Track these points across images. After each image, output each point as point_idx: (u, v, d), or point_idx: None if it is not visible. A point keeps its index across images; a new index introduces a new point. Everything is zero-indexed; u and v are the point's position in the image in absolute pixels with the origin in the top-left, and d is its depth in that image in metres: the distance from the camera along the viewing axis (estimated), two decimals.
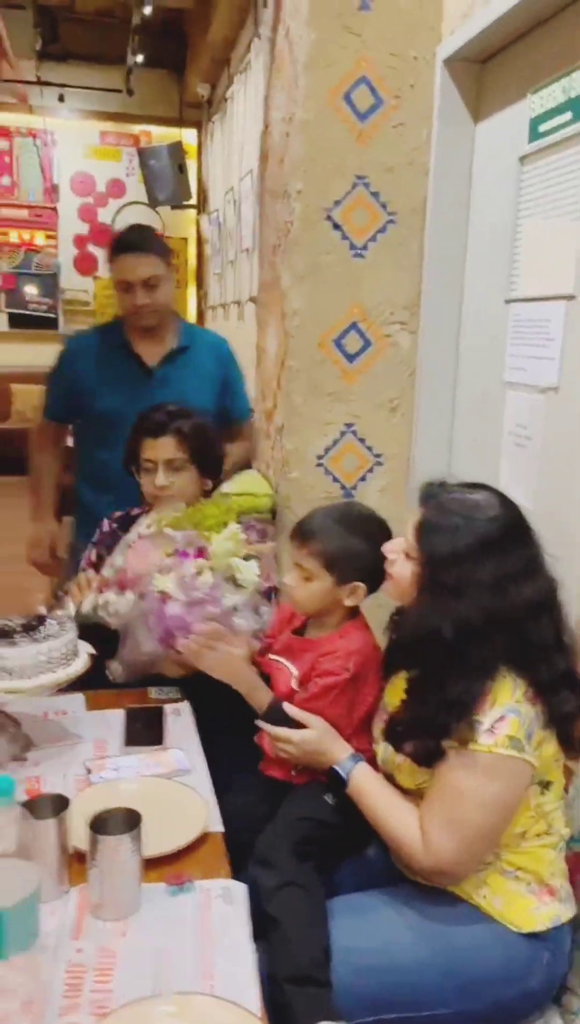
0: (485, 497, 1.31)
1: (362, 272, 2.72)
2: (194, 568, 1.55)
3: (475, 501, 1.30)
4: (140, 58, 5.53)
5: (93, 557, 2.05)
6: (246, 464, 2.53)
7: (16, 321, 7.08)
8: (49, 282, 6.89)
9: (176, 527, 1.67)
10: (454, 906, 1.31)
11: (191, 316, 7.47)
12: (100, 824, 1.13)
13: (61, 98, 6.66)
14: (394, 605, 1.48)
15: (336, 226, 2.67)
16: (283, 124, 2.85)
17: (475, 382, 2.65)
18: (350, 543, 1.50)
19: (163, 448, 1.91)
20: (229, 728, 1.59)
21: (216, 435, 2.09)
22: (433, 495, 1.35)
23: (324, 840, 1.41)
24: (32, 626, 1.47)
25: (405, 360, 2.80)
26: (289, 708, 1.47)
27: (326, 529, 1.52)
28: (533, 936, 1.28)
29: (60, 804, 1.16)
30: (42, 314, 6.88)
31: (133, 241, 2.34)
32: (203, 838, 1.29)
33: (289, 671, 1.55)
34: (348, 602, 1.51)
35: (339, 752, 1.41)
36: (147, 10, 4.66)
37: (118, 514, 2.10)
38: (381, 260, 2.72)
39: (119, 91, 6.38)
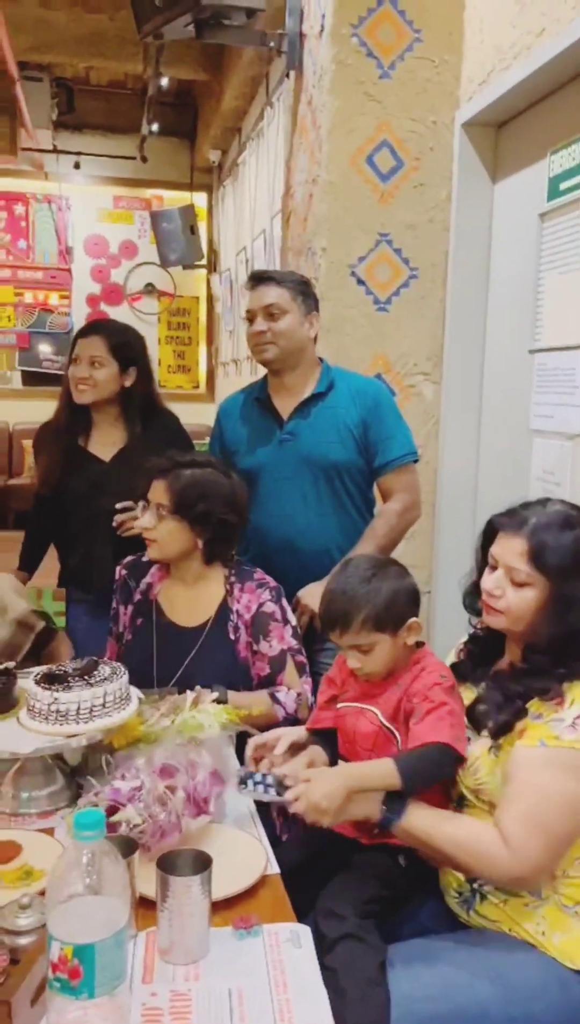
0: (565, 506, 1.38)
1: (386, 325, 2.80)
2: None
3: (565, 512, 1.36)
4: (154, 127, 5.73)
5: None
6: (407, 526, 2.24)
7: (29, 379, 7.18)
8: (62, 340, 6.99)
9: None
10: (511, 946, 1.31)
11: (201, 373, 7.59)
12: (169, 866, 1.13)
13: (77, 165, 6.90)
14: None
15: (360, 281, 2.76)
16: (306, 186, 2.96)
17: (500, 430, 2.70)
18: (380, 594, 1.47)
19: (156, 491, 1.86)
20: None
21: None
22: (522, 520, 1.36)
23: (390, 900, 1.41)
24: (87, 670, 1.48)
25: (429, 410, 2.85)
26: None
27: (352, 599, 1.47)
28: None
29: (129, 847, 1.16)
30: (55, 372, 6.93)
31: (263, 272, 2.17)
32: (263, 881, 1.28)
33: (371, 712, 1.51)
34: (410, 641, 1.49)
35: (374, 782, 1.36)
36: (164, 82, 4.85)
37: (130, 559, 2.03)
38: (404, 313, 2.80)
39: (132, 158, 6.60)
